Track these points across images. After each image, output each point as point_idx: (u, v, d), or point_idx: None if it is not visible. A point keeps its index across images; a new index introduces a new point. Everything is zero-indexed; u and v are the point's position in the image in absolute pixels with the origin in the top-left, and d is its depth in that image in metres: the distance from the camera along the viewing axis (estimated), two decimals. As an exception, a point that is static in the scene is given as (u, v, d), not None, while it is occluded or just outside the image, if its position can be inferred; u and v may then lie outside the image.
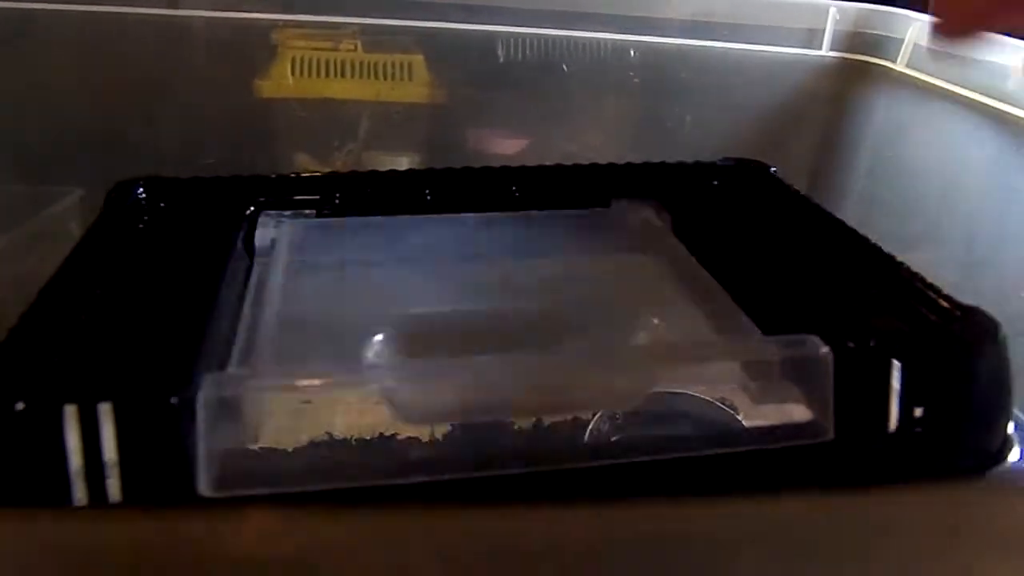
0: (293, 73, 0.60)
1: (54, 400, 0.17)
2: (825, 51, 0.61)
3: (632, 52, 0.61)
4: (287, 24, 0.58)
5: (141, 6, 0.57)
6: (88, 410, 0.17)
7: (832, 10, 0.60)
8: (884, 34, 0.60)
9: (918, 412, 0.19)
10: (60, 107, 0.59)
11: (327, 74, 0.60)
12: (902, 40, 0.59)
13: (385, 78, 0.60)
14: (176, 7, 0.58)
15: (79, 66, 0.59)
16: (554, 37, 0.60)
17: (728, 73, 0.62)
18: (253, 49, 0.59)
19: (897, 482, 0.20)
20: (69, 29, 0.56)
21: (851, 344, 0.19)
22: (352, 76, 0.60)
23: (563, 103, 0.63)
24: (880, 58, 0.60)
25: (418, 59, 0.60)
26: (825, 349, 0.19)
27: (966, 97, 0.52)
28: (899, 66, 0.59)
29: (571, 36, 0.60)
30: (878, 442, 0.19)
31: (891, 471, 0.20)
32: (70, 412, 0.17)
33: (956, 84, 0.53)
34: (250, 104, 0.61)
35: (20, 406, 0.17)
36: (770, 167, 0.30)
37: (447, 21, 0.59)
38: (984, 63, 0.51)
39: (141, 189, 0.27)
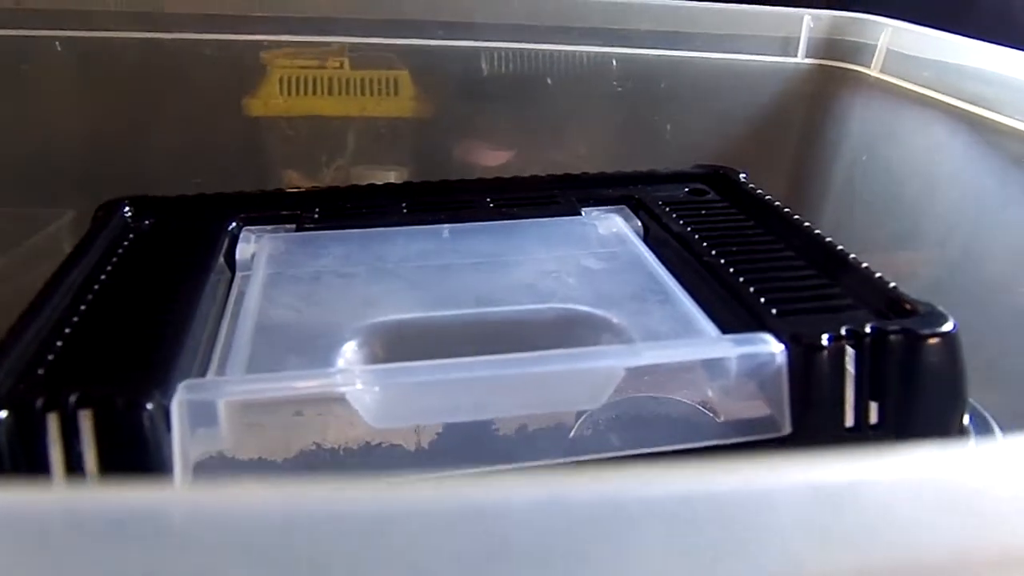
0: (281, 92, 0.60)
1: (37, 408, 0.18)
2: (801, 58, 0.62)
3: (614, 63, 0.63)
4: (274, 44, 0.59)
5: (130, 30, 0.58)
6: (69, 418, 0.18)
7: (807, 18, 0.62)
8: (858, 40, 0.61)
9: (874, 407, 0.20)
10: (52, 131, 0.60)
11: (314, 91, 0.61)
12: (875, 46, 0.60)
13: (371, 94, 0.61)
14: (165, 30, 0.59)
15: (70, 90, 0.60)
16: (536, 51, 0.62)
17: (707, 82, 0.63)
18: (241, 69, 0.59)
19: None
20: (60, 54, 0.57)
21: (804, 341, 0.20)
22: (339, 93, 0.61)
23: (547, 115, 0.64)
24: (855, 64, 0.61)
25: (404, 75, 0.61)
26: (779, 346, 0.20)
27: (940, 101, 0.53)
28: (874, 71, 0.60)
29: (553, 49, 0.61)
30: (835, 437, 0.20)
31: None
32: (52, 420, 0.18)
33: (930, 88, 0.54)
34: (239, 123, 0.62)
35: (3, 414, 0.18)
36: (740, 173, 0.31)
37: (432, 39, 0.60)
38: (958, 67, 0.52)
39: (127, 207, 0.28)
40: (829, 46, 0.62)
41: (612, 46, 0.62)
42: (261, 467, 0.19)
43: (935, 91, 0.53)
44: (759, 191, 0.29)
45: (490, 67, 0.62)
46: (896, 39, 0.58)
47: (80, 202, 0.58)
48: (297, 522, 0.14)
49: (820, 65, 0.62)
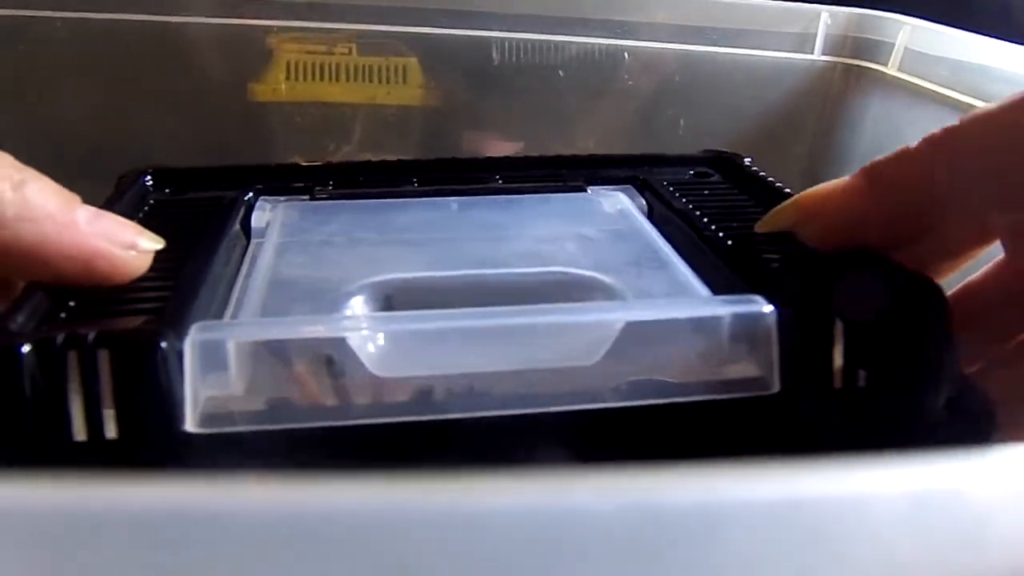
0: (288, 77, 0.62)
1: (57, 345, 0.20)
2: (817, 55, 0.64)
3: (626, 56, 0.64)
4: (281, 29, 0.61)
5: (135, 12, 0.60)
6: (88, 355, 0.20)
7: (824, 14, 0.63)
8: (876, 38, 0.62)
9: (862, 370, 0.22)
10: (53, 114, 0.61)
11: (322, 78, 0.63)
12: (893, 44, 0.61)
13: (380, 81, 0.63)
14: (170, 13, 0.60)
15: (75, 73, 0.62)
16: (548, 42, 0.63)
17: (721, 77, 0.65)
18: (248, 54, 0.61)
19: (844, 438, 0.22)
20: (65, 36, 0.59)
21: (794, 303, 0.22)
22: (347, 79, 0.63)
23: (557, 107, 0.65)
24: (872, 62, 0.62)
25: (412, 62, 0.63)
26: (769, 307, 0.21)
27: (958, 100, 0.54)
28: (891, 70, 0.61)
29: (565, 41, 0.63)
30: (823, 399, 0.22)
31: (838, 427, 0.22)
32: (72, 357, 0.20)
33: (948, 87, 0.55)
34: (245, 108, 0.63)
35: (26, 349, 0.19)
36: (745, 158, 0.32)
37: (442, 27, 0.62)
38: (976, 66, 0.54)
39: (148, 177, 0.30)
40: (846, 43, 0.63)
41: (625, 39, 0.63)
42: (271, 414, 0.21)
43: (953, 90, 0.55)
44: (762, 174, 0.31)
45: (501, 57, 0.63)
46: (914, 37, 0.60)
47: (81, 187, 0.60)
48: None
49: (836, 62, 0.64)
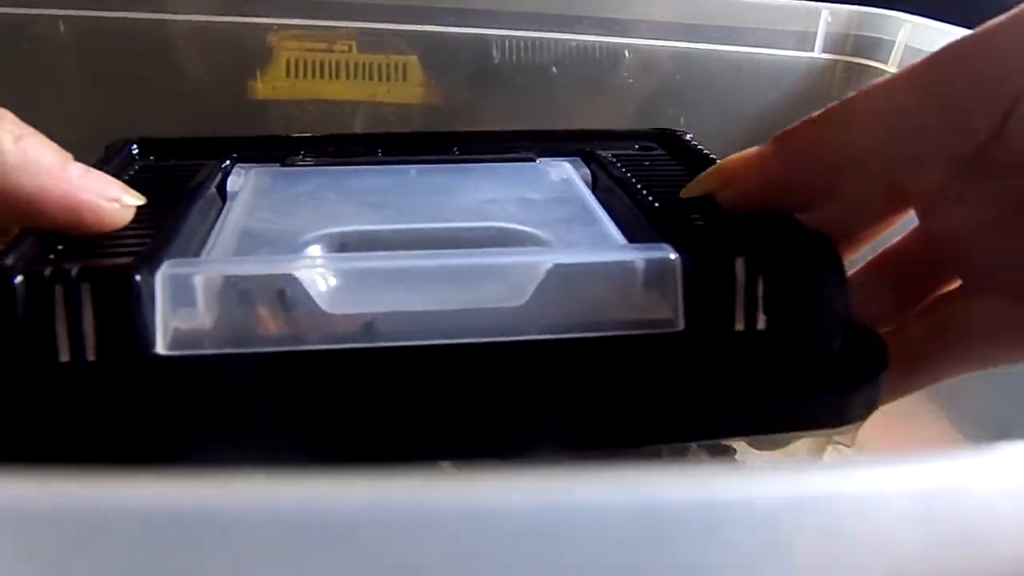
0: (288, 74, 0.66)
1: (46, 278, 0.24)
2: (818, 53, 0.67)
3: (626, 54, 0.68)
4: (281, 27, 0.66)
5: (135, 10, 0.64)
6: (72, 288, 0.24)
7: (824, 12, 0.67)
8: (876, 36, 0.66)
9: (762, 313, 0.26)
10: (53, 112, 0.66)
11: (321, 75, 0.67)
12: (894, 41, 0.65)
13: (380, 79, 0.67)
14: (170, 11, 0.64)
15: (75, 73, 0.66)
16: (548, 40, 0.67)
17: (722, 75, 0.69)
18: (248, 51, 0.65)
19: (746, 376, 0.26)
20: (65, 36, 0.64)
21: (698, 251, 0.26)
22: (347, 77, 0.67)
23: (558, 105, 0.69)
24: (873, 59, 0.66)
25: (413, 60, 0.67)
26: (675, 255, 0.26)
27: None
28: (891, 67, 0.65)
29: (565, 39, 0.67)
30: (725, 339, 0.26)
31: (739, 366, 0.27)
32: (58, 290, 0.24)
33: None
34: (245, 106, 0.67)
35: (19, 280, 0.24)
36: (687, 134, 0.37)
37: (442, 25, 0.66)
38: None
39: (135, 145, 0.35)
40: (846, 41, 0.67)
41: (625, 37, 0.67)
42: (232, 341, 0.25)
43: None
44: (701, 149, 0.36)
45: (501, 55, 0.67)
46: (915, 35, 0.64)
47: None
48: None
49: (837, 60, 0.67)
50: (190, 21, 0.65)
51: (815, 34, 0.67)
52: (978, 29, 0.28)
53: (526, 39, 0.67)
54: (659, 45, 0.68)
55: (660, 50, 0.68)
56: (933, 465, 0.19)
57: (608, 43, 0.67)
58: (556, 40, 0.67)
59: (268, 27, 0.65)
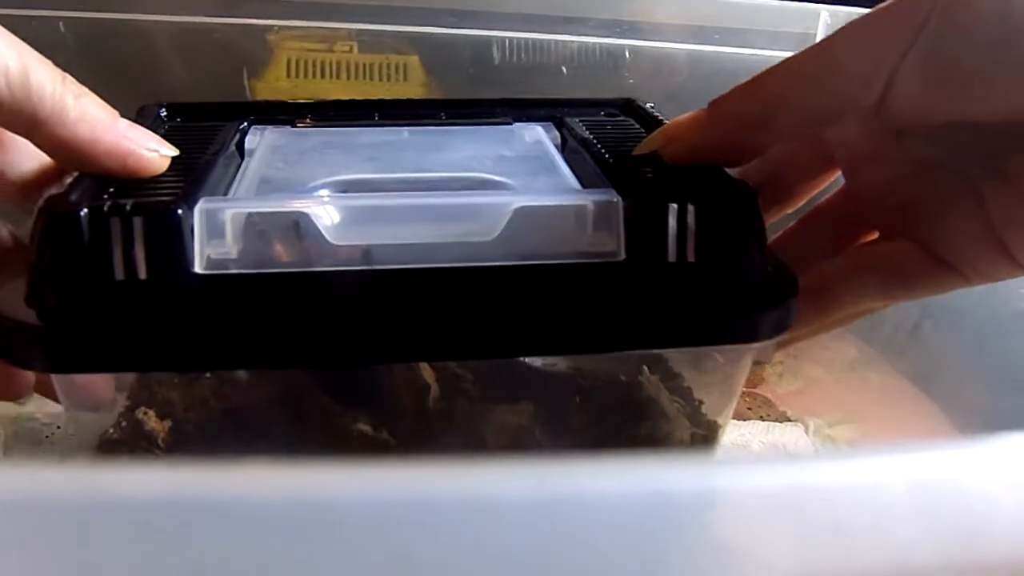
0: (288, 75, 0.73)
1: (104, 211, 0.34)
2: (817, 54, 0.75)
3: (627, 55, 0.74)
4: (282, 28, 0.72)
5: (135, 12, 0.70)
6: (127, 219, 0.34)
7: (824, 14, 0.73)
8: (875, 37, 0.74)
9: (692, 248, 0.35)
10: None
11: (322, 76, 0.73)
12: (892, 43, 0.73)
13: (380, 79, 0.74)
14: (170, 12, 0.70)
15: (75, 73, 0.73)
16: (549, 41, 0.74)
17: (722, 76, 0.76)
18: (249, 52, 0.72)
19: (677, 299, 0.35)
20: (64, 34, 0.70)
21: (637, 194, 0.35)
22: (347, 78, 0.73)
23: (558, 106, 0.77)
24: (872, 61, 0.74)
25: (413, 60, 0.73)
26: (617, 197, 0.35)
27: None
28: (890, 68, 0.73)
29: (566, 40, 0.74)
30: (659, 268, 0.34)
31: (672, 291, 0.35)
32: (115, 222, 0.34)
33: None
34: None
35: (83, 212, 0.34)
36: (649, 103, 0.47)
37: (443, 26, 0.73)
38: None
39: (163, 109, 0.45)
40: (846, 42, 0.75)
41: (625, 38, 0.74)
42: (255, 263, 0.34)
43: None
44: (658, 116, 0.46)
45: (501, 56, 0.73)
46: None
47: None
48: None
49: (836, 61, 0.75)
50: (190, 22, 0.71)
51: (814, 35, 0.73)
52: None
53: (526, 40, 0.73)
54: (659, 46, 0.74)
55: (660, 51, 0.74)
56: (929, 456, 0.22)
57: (608, 44, 0.74)
58: (557, 41, 0.73)
59: (268, 28, 0.72)
